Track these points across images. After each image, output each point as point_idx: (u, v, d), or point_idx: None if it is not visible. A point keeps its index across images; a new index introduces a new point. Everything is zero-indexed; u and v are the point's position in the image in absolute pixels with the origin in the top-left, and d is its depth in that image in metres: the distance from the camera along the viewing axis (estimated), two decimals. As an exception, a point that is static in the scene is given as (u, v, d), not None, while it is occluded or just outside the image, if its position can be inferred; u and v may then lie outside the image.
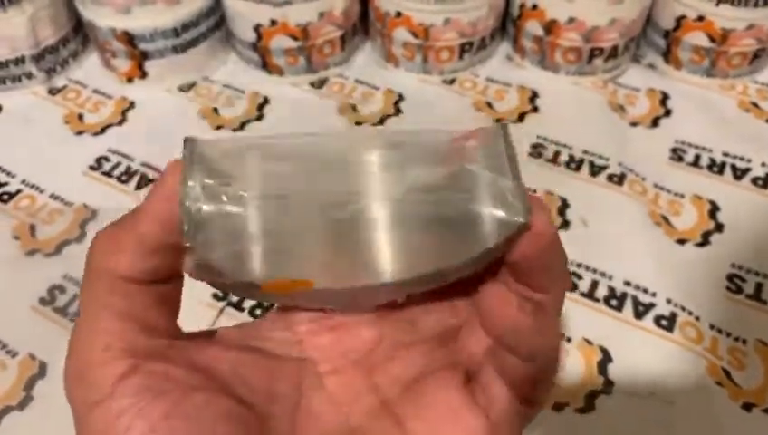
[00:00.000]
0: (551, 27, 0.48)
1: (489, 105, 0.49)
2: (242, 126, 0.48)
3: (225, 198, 0.16)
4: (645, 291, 0.37)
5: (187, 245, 0.16)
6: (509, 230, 0.16)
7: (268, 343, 0.20)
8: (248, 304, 0.37)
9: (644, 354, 0.34)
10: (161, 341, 0.18)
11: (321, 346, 0.21)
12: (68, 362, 0.17)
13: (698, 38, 0.47)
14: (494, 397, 0.19)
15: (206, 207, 0.16)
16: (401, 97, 0.49)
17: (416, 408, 0.20)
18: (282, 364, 0.20)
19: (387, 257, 0.17)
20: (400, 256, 0.17)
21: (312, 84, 0.51)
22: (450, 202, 0.17)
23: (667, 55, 0.50)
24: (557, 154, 0.45)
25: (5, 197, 0.43)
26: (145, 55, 0.48)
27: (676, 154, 0.45)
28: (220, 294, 0.37)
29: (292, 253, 0.17)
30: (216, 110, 0.49)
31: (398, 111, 0.48)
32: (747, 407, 0.32)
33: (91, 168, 0.45)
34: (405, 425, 0.19)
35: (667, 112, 0.48)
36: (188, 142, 0.17)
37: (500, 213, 0.16)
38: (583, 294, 0.37)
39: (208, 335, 0.20)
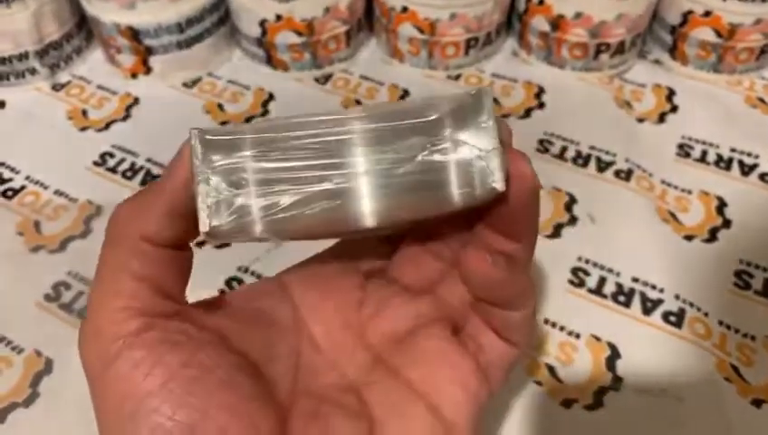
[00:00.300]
0: (557, 23, 0.47)
1: (495, 101, 0.48)
2: (246, 122, 0.47)
3: (227, 185, 0.18)
4: (653, 287, 0.37)
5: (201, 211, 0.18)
6: (486, 195, 0.18)
7: (265, 305, 0.22)
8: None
9: (652, 351, 0.34)
10: (174, 304, 0.19)
11: (311, 305, 0.22)
12: (84, 323, 0.18)
13: (705, 33, 0.47)
14: (482, 343, 0.21)
15: (214, 194, 0.18)
16: (406, 92, 0.49)
17: (409, 358, 0.21)
18: (279, 326, 0.21)
19: (371, 215, 0.18)
20: (383, 213, 0.18)
21: (317, 80, 0.51)
22: (430, 168, 0.18)
23: (674, 51, 0.49)
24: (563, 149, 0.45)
25: (10, 193, 0.43)
26: (149, 51, 0.48)
27: (683, 150, 0.45)
28: (226, 291, 0.37)
29: (288, 220, 0.18)
30: (220, 105, 0.49)
31: (403, 107, 0.48)
32: (757, 403, 0.32)
33: (96, 163, 0.45)
34: (400, 374, 0.21)
35: (674, 108, 0.48)
36: (193, 131, 0.19)
37: (478, 180, 0.18)
38: (591, 291, 0.37)
39: (211, 302, 0.21)
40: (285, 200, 0.18)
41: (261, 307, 0.21)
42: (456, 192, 0.18)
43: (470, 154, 0.18)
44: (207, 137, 0.18)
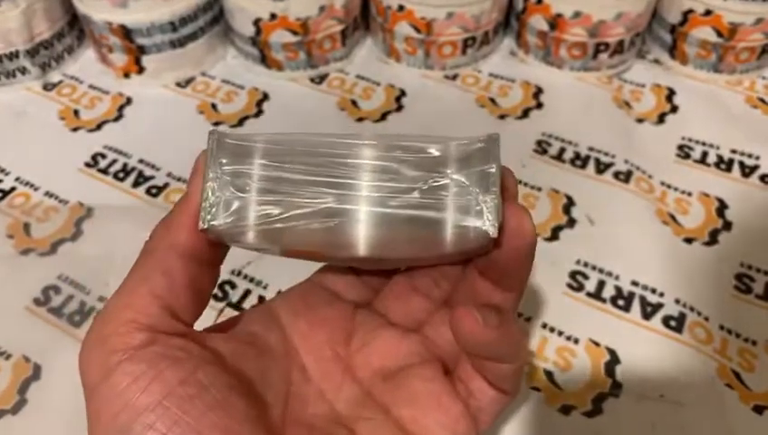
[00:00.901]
0: (556, 22, 0.47)
1: (492, 101, 0.48)
2: (240, 122, 0.47)
3: (233, 188, 0.18)
4: (653, 291, 0.36)
5: (205, 217, 0.18)
6: (479, 241, 0.18)
7: (258, 331, 0.22)
8: (248, 304, 0.36)
9: (652, 356, 0.34)
10: (181, 326, 0.19)
11: (301, 334, 0.22)
12: (90, 331, 0.18)
13: (705, 33, 0.46)
14: (473, 389, 0.21)
15: (218, 194, 0.18)
16: (403, 93, 0.49)
17: (400, 397, 0.21)
18: (272, 352, 0.21)
19: (364, 242, 0.19)
20: (376, 243, 0.19)
21: (312, 80, 0.50)
22: (428, 204, 0.18)
23: (674, 50, 0.49)
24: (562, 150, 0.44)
25: (0, 194, 0.42)
26: (142, 50, 0.47)
27: (683, 151, 0.44)
28: (219, 294, 0.36)
29: (284, 231, 0.19)
30: (214, 105, 0.48)
31: (399, 108, 0.48)
32: (758, 410, 0.32)
33: (87, 165, 0.44)
34: (391, 412, 0.21)
35: (674, 109, 0.47)
36: (212, 134, 0.19)
37: (471, 223, 0.18)
38: (590, 295, 0.36)
39: (213, 328, 0.22)
40: (283, 211, 0.18)
41: (255, 332, 0.22)
42: (448, 231, 0.18)
43: (469, 197, 0.18)
44: (224, 140, 0.19)
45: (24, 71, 0.48)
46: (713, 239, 0.39)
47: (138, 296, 0.18)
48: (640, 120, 0.46)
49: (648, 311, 0.35)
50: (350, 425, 0.21)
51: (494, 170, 0.18)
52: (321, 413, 0.21)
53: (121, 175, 0.43)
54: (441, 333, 0.22)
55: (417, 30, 0.47)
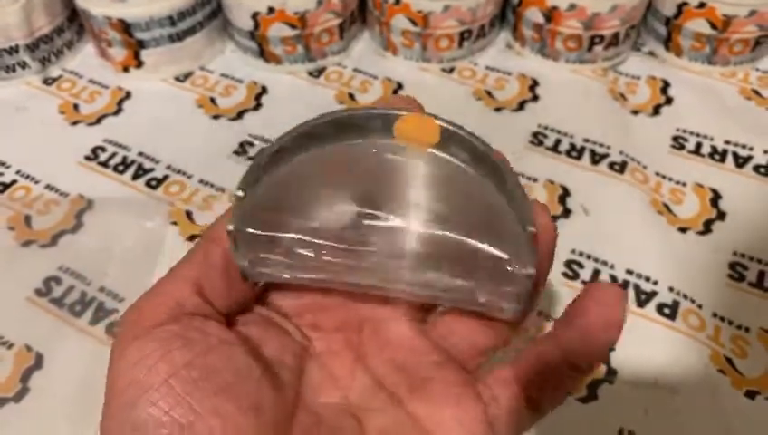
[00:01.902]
0: (551, 14, 0.47)
1: (489, 94, 0.48)
2: (239, 115, 0.47)
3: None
4: (647, 279, 0.37)
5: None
6: (524, 283, 0.18)
7: (273, 316, 0.22)
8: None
9: (646, 343, 0.34)
10: (208, 307, 0.19)
11: (312, 320, 0.22)
12: (133, 305, 0.19)
13: (700, 25, 0.47)
14: (498, 396, 0.20)
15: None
16: (400, 86, 0.49)
17: (417, 393, 0.20)
18: (287, 337, 0.21)
19: (401, 280, 0.19)
20: (411, 280, 0.19)
21: (310, 73, 0.50)
22: (472, 250, 0.18)
23: (668, 43, 0.49)
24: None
25: (0, 187, 0.42)
26: (141, 44, 0.48)
27: (678, 142, 0.45)
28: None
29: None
30: (213, 99, 0.48)
31: (396, 100, 0.48)
32: (751, 395, 0.32)
33: (87, 158, 0.44)
34: (404, 406, 0.20)
35: (668, 100, 0.48)
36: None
37: (509, 289, 0.18)
38: (585, 283, 0.37)
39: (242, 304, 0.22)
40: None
41: (268, 315, 0.21)
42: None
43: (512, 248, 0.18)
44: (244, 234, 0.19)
45: (23, 65, 0.49)
46: (707, 229, 0.39)
47: (175, 278, 0.19)
48: (635, 112, 0.47)
49: (643, 299, 0.36)
50: (359, 415, 0.20)
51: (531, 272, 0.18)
52: (333, 402, 0.20)
53: (121, 168, 0.43)
54: (457, 328, 0.22)
55: (414, 23, 0.48)
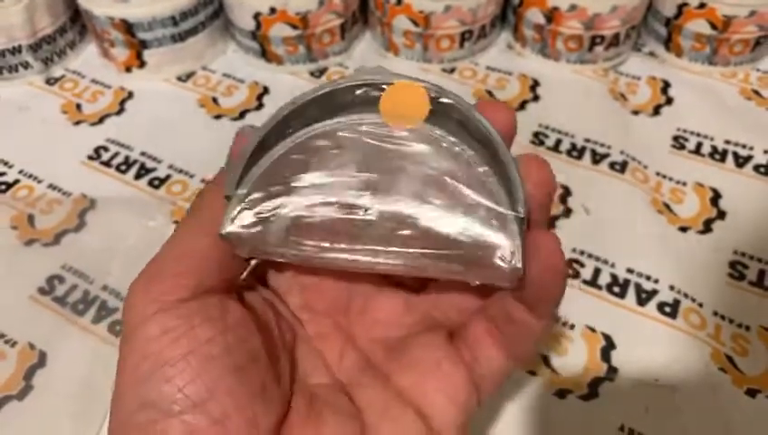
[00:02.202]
0: (552, 15, 0.47)
1: (490, 94, 0.48)
2: (241, 115, 0.47)
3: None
4: (648, 278, 0.37)
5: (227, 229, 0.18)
6: (511, 276, 0.18)
7: (269, 296, 0.22)
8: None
9: (647, 341, 0.34)
10: (225, 283, 0.19)
11: (301, 301, 0.22)
12: (142, 273, 0.19)
13: (700, 25, 0.47)
14: (479, 356, 0.21)
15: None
16: (401, 86, 0.49)
17: (401, 364, 0.21)
18: (282, 318, 0.22)
19: (391, 256, 0.19)
20: (402, 258, 0.19)
21: (312, 73, 0.50)
22: (464, 230, 0.18)
23: (669, 43, 0.49)
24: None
25: (3, 187, 0.42)
26: (143, 44, 0.48)
27: (678, 142, 0.45)
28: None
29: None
30: (215, 99, 0.48)
31: (398, 100, 0.48)
32: (752, 393, 0.32)
33: (90, 157, 0.44)
34: (391, 379, 0.21)
35: (669, 100, 0.48)
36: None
37: (499, 263, 0.18)
38: (586, 282, 0.37)
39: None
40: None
41: (268, 297, 0.22)
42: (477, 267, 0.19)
43: (502, 231, 0.18)
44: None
45: (26, 65, 0.49)
46: (707, 228, 0.40)
47: (190, 249, 0.18)
48: (636, 112, 0.47)
49: (643, 297, 0.36)
50: (350, 392, 0.21)
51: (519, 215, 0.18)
52: (324, 382, 0.21)
53: (123, 167, 0.44)
54: (446, 296, 0.22)
55: (415, 23, 0.48)
